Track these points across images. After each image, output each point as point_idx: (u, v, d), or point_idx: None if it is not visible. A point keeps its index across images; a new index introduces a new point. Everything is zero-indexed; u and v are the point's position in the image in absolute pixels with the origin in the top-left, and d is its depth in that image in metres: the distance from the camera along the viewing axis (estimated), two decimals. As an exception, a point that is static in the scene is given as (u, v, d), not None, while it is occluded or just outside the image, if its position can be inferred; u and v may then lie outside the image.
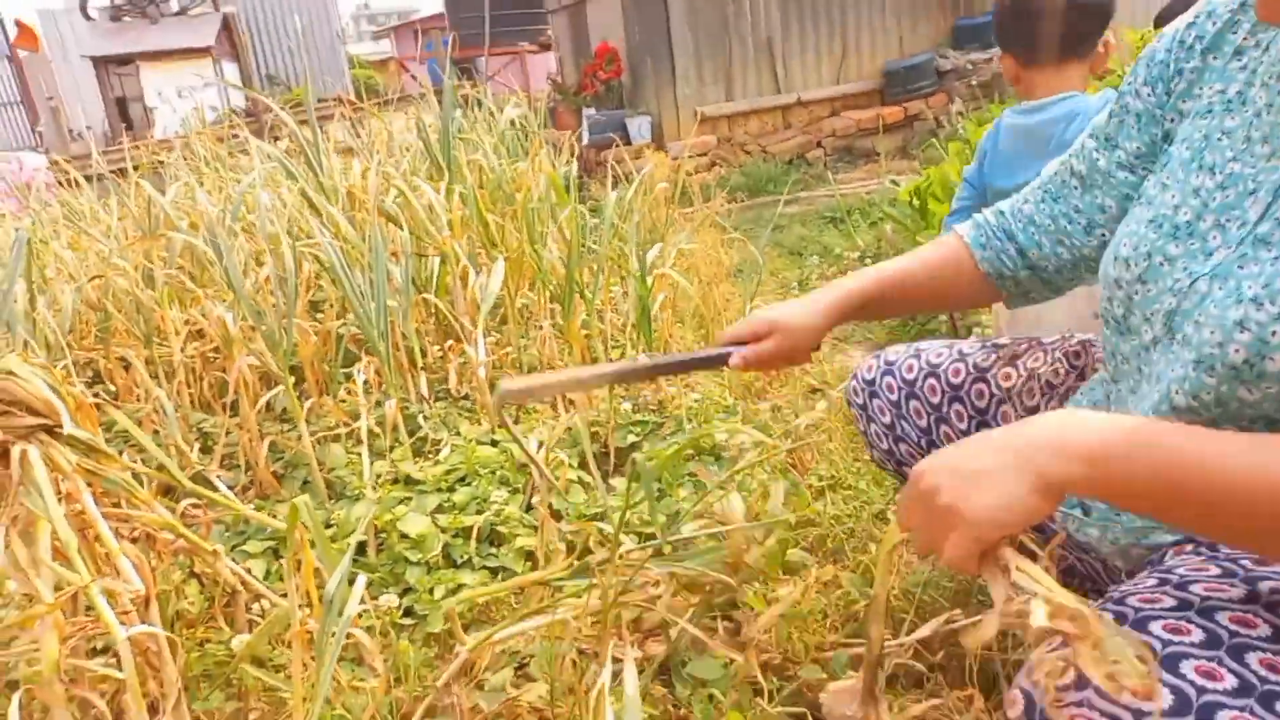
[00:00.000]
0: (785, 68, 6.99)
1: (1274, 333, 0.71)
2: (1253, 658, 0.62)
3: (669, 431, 2.05)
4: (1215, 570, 0.74)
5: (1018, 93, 1.87)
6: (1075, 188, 1.05)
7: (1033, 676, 0.64)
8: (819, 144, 6.93)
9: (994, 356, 1.21)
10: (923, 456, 1.27)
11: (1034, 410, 1.15)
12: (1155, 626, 0.66)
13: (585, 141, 7.07)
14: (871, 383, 1.28)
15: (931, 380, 1.23)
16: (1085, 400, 1.02)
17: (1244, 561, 0.74)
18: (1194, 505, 0.62)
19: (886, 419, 1.27)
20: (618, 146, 4.73)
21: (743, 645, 1.26)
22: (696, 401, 2.17)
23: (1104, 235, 1.03)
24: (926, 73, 6.61)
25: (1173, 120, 0.93)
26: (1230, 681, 0.60)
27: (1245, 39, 0.86)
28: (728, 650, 1.23)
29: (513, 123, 4.30)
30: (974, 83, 5.88)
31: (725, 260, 3.16)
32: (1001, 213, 1.13)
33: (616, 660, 0.98)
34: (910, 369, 1.25)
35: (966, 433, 1.21)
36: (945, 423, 1.23)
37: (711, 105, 6.81)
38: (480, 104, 4.25)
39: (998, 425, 1.17)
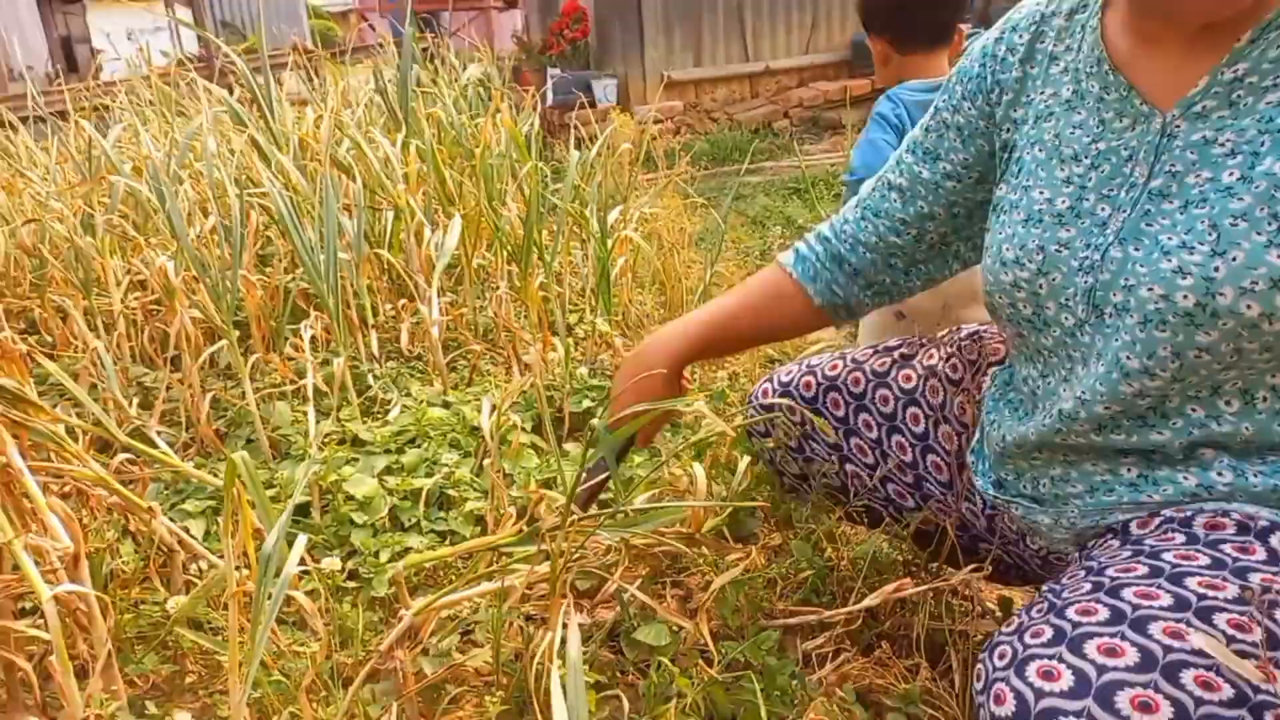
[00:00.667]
0: (754, 36, 6.93)
1: (1216, 268, 0.73)
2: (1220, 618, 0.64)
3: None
4: (1181, 539, 0.74)
5: (883, 76, 1.93)
6: (896, 201, 1.08)
7: (1000, 663, 0.66)
8: (786, 114, 6.90)
9: (888, 360, 1.22)
10: (837, 475, 1.27)
11: (942, 407, 1.15)
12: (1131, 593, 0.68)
13: (549, 102, 6.96)
14: (770, 408, 1.27)
15: (833, 394, 1.24)
16: (1001, 402, 1.01)
17: (1212, 536, 0.74)
18: None
19: (792, 442, 1.27)
20: (582, 108, 4.66)
21: (692, 613, 1.25)
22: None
23: (934, 240, 1.08)
24: None
25: (1009, 130, 0.96)
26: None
27: (1055, 45, 0.92)
28: (677, 618, 1.22)
29: (476, 80, 4.21)
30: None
31: (688, 226, 3.12)
32: (825, 238, 1.16)
33: (564, 626, 0.96)
34: (809, 386, 1.25)
35: (878, 441, 1.22)
36: (855, 434, 1.23)
37: (679, 70, 6.74)
38: (442, 60, 4.14)
39: (908, 428, 1.19)
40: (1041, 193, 0.90)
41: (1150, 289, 0.77)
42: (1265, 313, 0.72)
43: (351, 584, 1.43)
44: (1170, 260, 0.76)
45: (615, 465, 1.20)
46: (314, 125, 2.60)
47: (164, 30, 10.62)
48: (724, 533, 1.45)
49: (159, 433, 1.70)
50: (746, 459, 1.36)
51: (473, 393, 1.99)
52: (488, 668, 1.19)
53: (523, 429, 1.78)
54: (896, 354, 1.22)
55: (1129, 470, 0.83)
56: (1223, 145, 0.77)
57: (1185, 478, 0.79)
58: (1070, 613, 0.68)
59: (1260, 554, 0.70)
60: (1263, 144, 0.74)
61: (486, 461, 1.61)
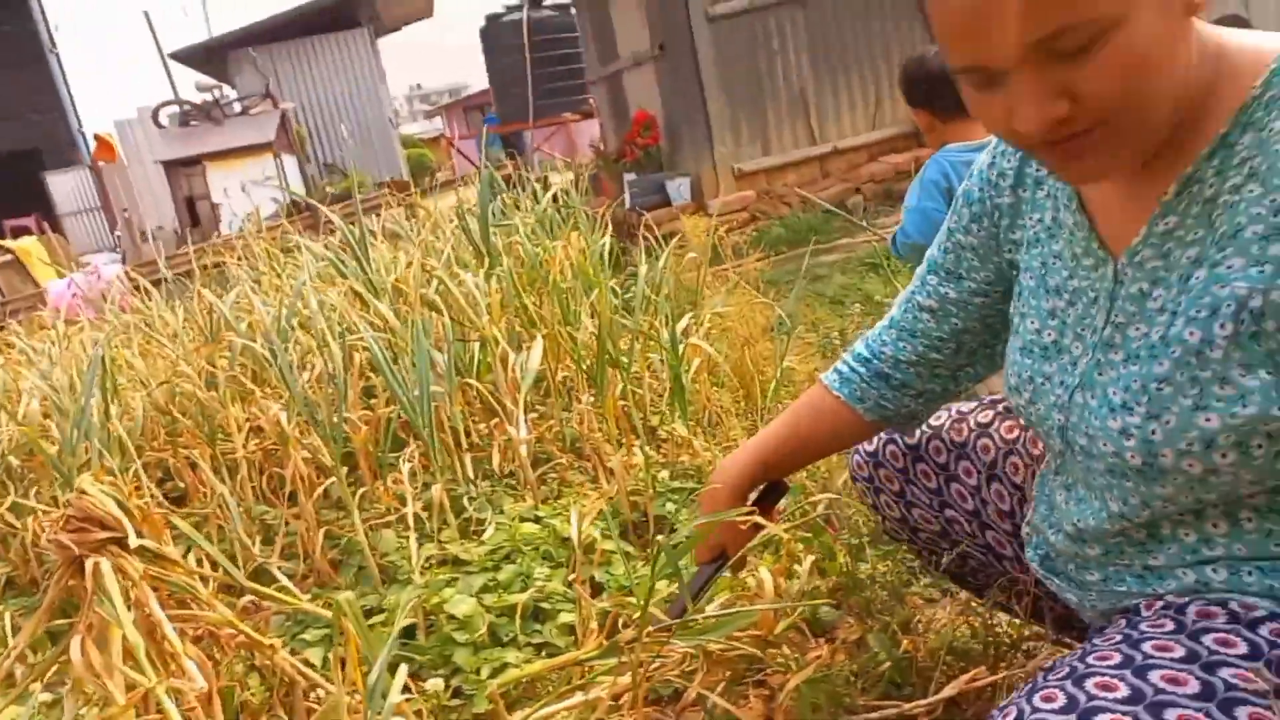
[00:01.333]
0: (819, 119, 7.09)
1: (1153, 431, 0.75)
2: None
3: (707, 498, 2.10)
4: (1170, 626, 0.78)
5: (932, 141, 2.13)
6: (929, 321, 1.11)
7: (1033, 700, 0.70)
8: (858, 190, 6.98)
9: (992, 413, 1.25)
10: (936, 519, 1.31)
11: (1039, 459, 1.18)
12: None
13: (628, 205, 7.23)
14: (874, 454, 1.32)
15: (935, 442, 1.27)
16: (1040, 489, 1.04)
17: (1199, 625, 0.77)
18: None
19: (895, 486, 1.31)
20: (645, 215, 4.85)
21: (772, 713, 1.29)
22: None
23: (973, 348, 1.11)
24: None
25: (1010, 251, 0.99)
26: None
27: (1039, 169, 0.93)
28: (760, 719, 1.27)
29: (554, 197, 4.46)
30: None
31: (761, 319, 3.22)
32: (865, 359, 1.18)
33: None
34: (912, 435, 1.29)
35: (977, 489, 1.24)
36: (955, 480, 1.26)
37: (749, 162, 6.93)
38: (522, 185, 4.42)
39: (1006, 477, 1.22)
40: (1032, 322, 0.93)
41: (1104, 444, 0.80)
42: (1209, 469, 0.73)
43: (456, 701, 1.53)
44: (1116, 419, 0.79)
45: (716, 572, 1.29)
46: (406, 268, 2.83)
47: (274, 179, 11.54)
48: (803, 628, 1.49)
49: (279, 567, 1.86)
50: (810, 559, 1.41)
51: (562, 505, 2.10)
52: (581, 777, 1.26)
53: (608, 536, 1.87)
54: (1000, 407, 1.24)
55: (1136, 565, 0.86)
56: (1155, 300, 0.78)
57: (1184, 573, 0.82)
58: (1036, 699, 0.71)
59: (1241, 648, 0.71)
60: (1178, 304, 0.75)
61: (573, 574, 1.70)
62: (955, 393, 1.19)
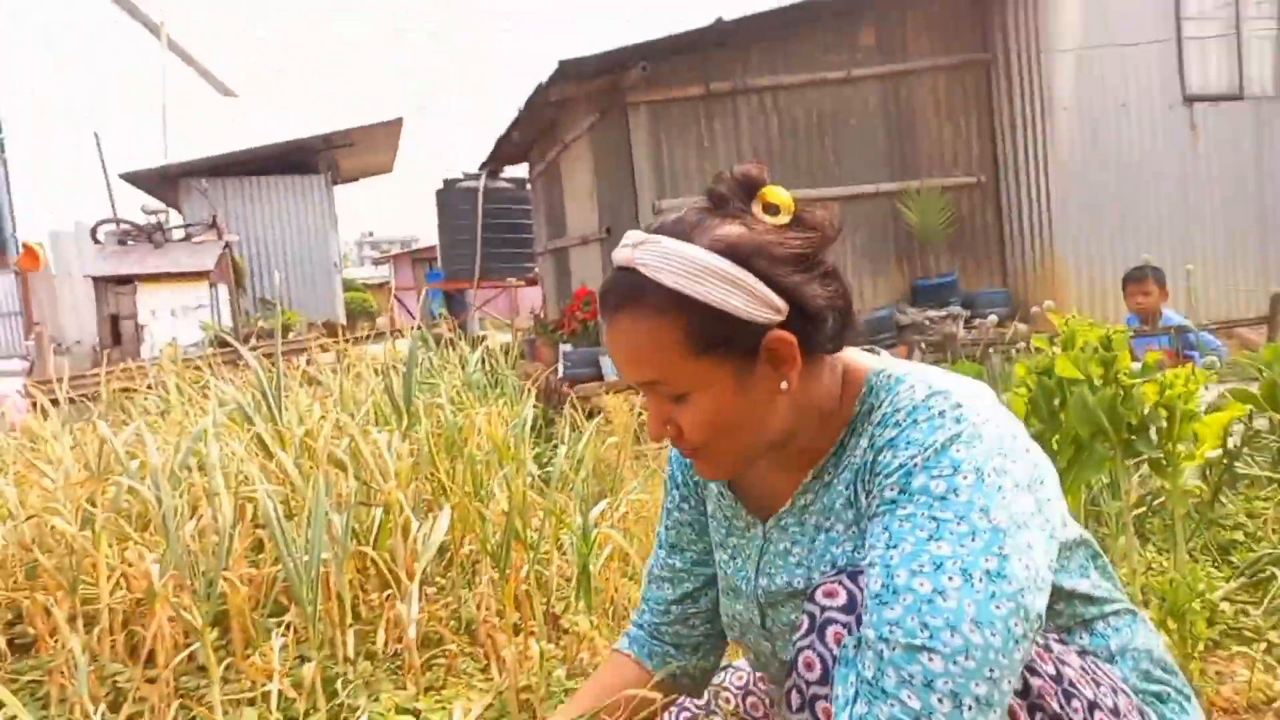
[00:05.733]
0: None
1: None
2: None
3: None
4: None
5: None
6: (667, 589, 1.33)
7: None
8: (785, 386, 7.17)
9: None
10: None
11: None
12: None
13: (560, 374, 7.28)
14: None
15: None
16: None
17: None
18: None
19: None
20: (570, 390, 4.87)
21: None
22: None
23: (715, 599, 1.31)
24: (887, 325, 6.97)
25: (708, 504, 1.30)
26: None
27: None
28: None
29: (482, 360, 4.45)
30: (929, 338, 6.19)
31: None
32: (640, 626, 1.37)
33: None
34: (700, 696, 1.43)
35: None
36: None
37: (682, 346, 7.09)
38: (453, 345, 4.41)
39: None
40: (721, 569, 1.23)
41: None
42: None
43: None
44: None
45: None
46: (319, 420, 2.75)
47: (206, 307, 11.38)
48: None
49: (119, 745, 1.66)
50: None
51: (446, 696, 1.96)
52: None
53: (491, 739, 1.73)
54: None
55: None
56: (793, 557, 1.14)
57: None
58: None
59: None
60: (809, 560, 1.12)
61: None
62: (718, 645, 1.35)
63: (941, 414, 0.99)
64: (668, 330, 1.01)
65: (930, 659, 0.89)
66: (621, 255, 1.05)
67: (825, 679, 1.00)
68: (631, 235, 1.06)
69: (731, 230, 1.03)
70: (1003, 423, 1.00)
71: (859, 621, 1.00)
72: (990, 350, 5.14)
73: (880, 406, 1.05)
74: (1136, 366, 2.09)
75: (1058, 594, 1.08)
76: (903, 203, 7.19)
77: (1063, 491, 1.08)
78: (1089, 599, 1.10)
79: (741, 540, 1.19)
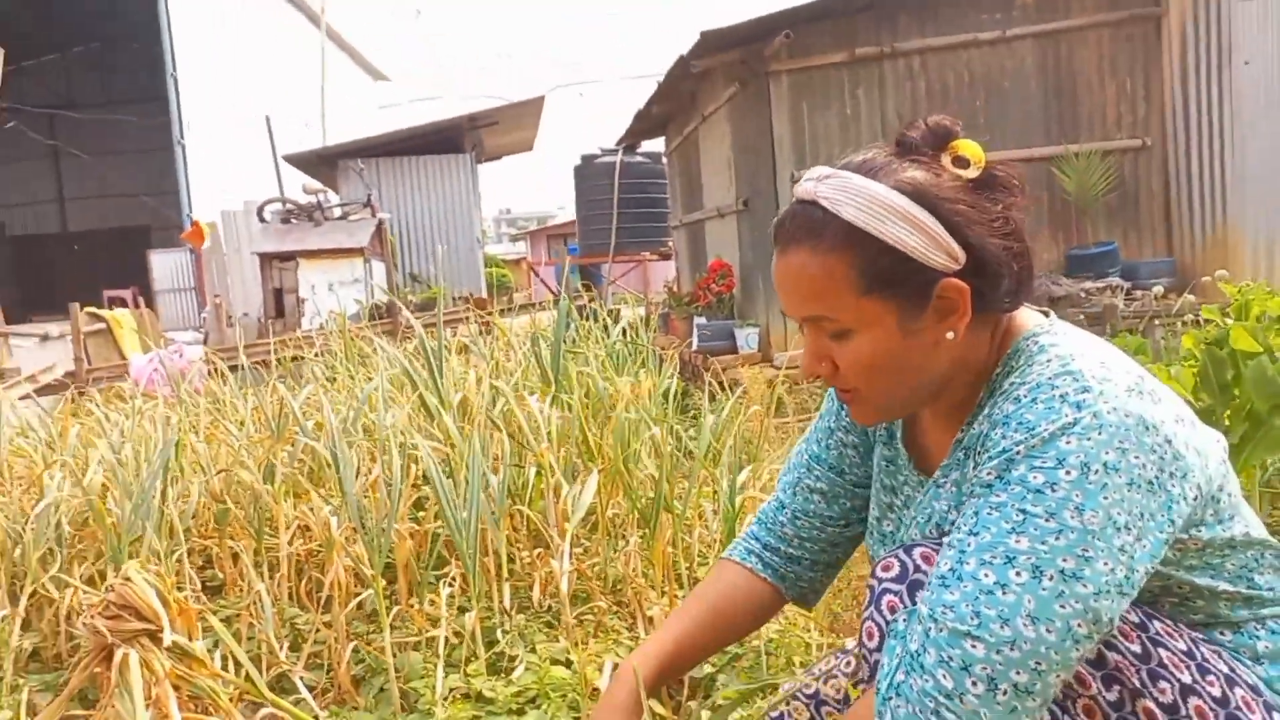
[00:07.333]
0: (895, 286, 7.15)
1: None
2: None
3: (747, 664, 2.01)
4: None
5: None
6: (820, 503, 1.31)
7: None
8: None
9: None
10: None
11: None
12: None
13: (694, 347, 7.31)
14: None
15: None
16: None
17: None
18: None
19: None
20: (715, 361, 4.88)
21: None
22: (777, 633, 2.12)
23: (861, 523, 1.31)
24: (1039, 298, 6.64)
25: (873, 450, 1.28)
26: None
27: None
28: None
29: (624, 331, 4.53)
30: (1087, 311, 5.87)
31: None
32: (773, 544, 1.35)
33: None
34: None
35: None
36: None
37: (820, 319, 6.98)
38: (596, 316, 4.51)
39: None
40: (875, 511, 1.24)
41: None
42: None
43: None
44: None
45: None
46: (476, 384, 2.87)
47: (361, 281, 12.00)
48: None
49: (302, 678, 1.81)
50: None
51: (597, 650, 2.03)
52: None
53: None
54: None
55: None
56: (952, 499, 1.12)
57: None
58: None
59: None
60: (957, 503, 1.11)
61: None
62: (845, 561, 1.37)
63: (1063, 398, 0.95)
64: (840, 264, 1.02)
65: (974, 645, 0.90)
66: (804, 189, 1.06)
67: (883, 646, 1.03)
68: (816, 170, 1.07)
69: (919, 175, 1.03)
70: (1135, 411, 0.94)
71: (910, 589, 1.03)
72: (1155, 323, 4.84)
73: (1013, 374, 1.03)
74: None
75: (1193, 591, 1.03)
76: (1059, 168, 6.81)
77: (1235, 470, 1.03)
78: (1243, 599, 1.05)
79: (913, 494, 1.19)
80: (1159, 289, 5.57)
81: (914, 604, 1.01)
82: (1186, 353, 2.37)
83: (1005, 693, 0.89)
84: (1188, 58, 6.85)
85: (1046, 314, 1.13)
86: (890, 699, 0.95)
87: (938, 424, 1.16)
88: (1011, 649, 0.89)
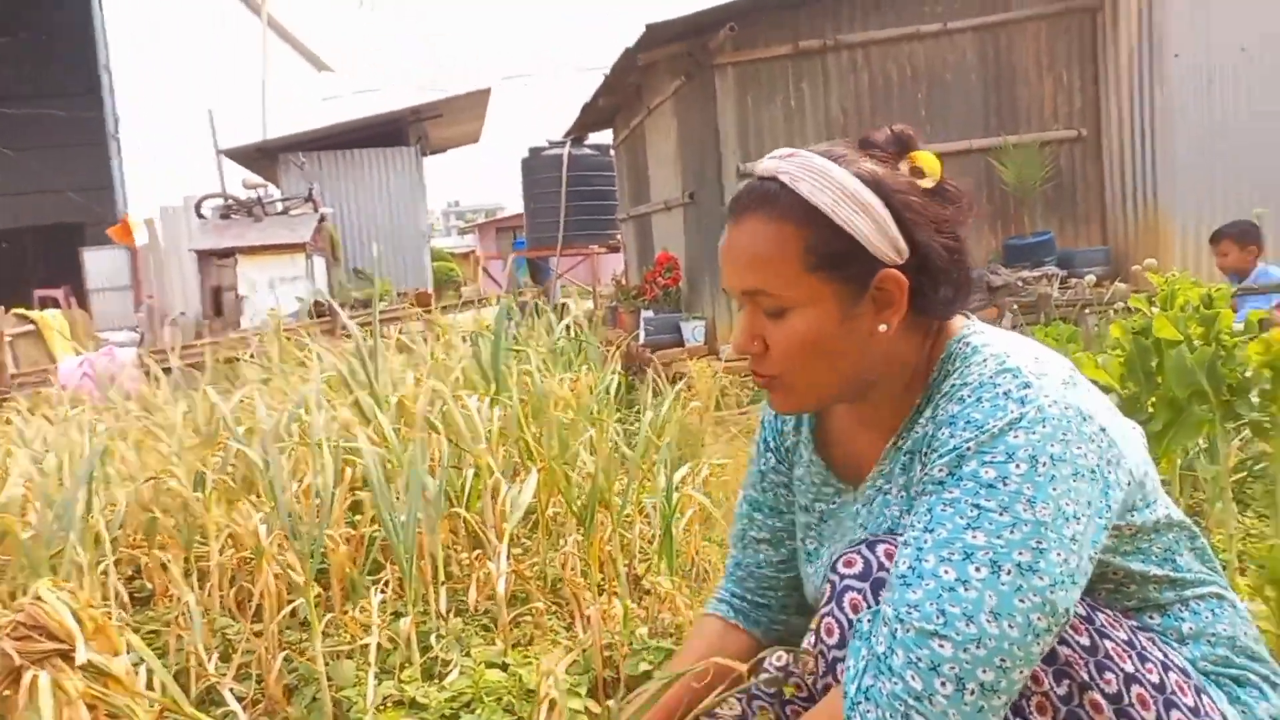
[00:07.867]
0: (839, 278, 7.22)
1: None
2: None
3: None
4: None
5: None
6: (769, 550, 1.34)
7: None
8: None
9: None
10: None
11: None
12: None
13: (640, 341, 7.32)
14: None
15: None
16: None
17: None
18: None
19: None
20: (653, 354, 4.89)
21: None
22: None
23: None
24: (978, 287, 6.77)
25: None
26: None
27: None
28: None
29: (567, 328, 4.52)
30: (1023, 299, 5.99)
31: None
32: (741, 595, 1.37)
33: None
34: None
35: None
36: None
37: (766, 311, 7.03)
38: (540, 314, 4.49)
39: None
40: (802, 533, 1.27)
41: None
42: None
43: None
44: None
45: None
46: (414, 384, 2.84)
47: (302, 278, 11.78)
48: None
49: (231, 689, 1.78)
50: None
51: (533, 652, 2.02)
52: None
53: (576, 693, 1.79)
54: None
55: None
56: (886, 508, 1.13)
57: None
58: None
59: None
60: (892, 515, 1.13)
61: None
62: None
63: (1006, 394, 0.98)
64: (792, 238, 1.04)
65: (940, 645, 0.91)
66: (766, 165, 1.08)
67: (844, 644, 1.03)
68: (780, 150, 1.09)
69: (878, 169, 1.07)
70: (1073, 403, 0.98)
71: (874, 587, 1.03)
72: (1086, 311, 4.96)
73: (951, 377, 1.05)
74: (1239, 326, 1.99)
75: (1127, 576, 1.07)
76: (997, 159, 6.94)
77: (1157, 456, 1.06)
78: (1169, 582, 1.08)
79: (830, 506, 1.21)
80: (1091, 278, 5.71)
81: (878, 603, 1.01)
82: (1114, 342, 2.44)
83: (973, 692, 0.90)
84: (1121, 49, 7.01)
85: (966, 315, 1.15)
86: (859, 703, 0.95)
87: (863, 430, 1.18)
88: (978, 647, 0.90)
